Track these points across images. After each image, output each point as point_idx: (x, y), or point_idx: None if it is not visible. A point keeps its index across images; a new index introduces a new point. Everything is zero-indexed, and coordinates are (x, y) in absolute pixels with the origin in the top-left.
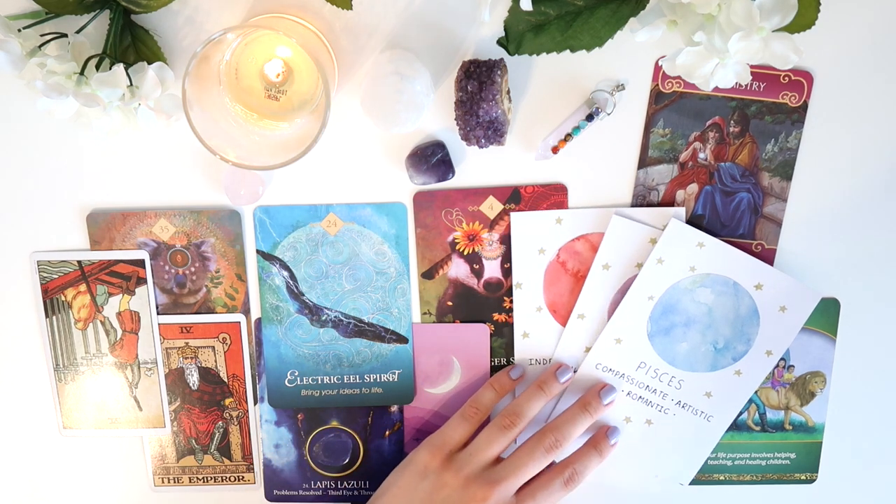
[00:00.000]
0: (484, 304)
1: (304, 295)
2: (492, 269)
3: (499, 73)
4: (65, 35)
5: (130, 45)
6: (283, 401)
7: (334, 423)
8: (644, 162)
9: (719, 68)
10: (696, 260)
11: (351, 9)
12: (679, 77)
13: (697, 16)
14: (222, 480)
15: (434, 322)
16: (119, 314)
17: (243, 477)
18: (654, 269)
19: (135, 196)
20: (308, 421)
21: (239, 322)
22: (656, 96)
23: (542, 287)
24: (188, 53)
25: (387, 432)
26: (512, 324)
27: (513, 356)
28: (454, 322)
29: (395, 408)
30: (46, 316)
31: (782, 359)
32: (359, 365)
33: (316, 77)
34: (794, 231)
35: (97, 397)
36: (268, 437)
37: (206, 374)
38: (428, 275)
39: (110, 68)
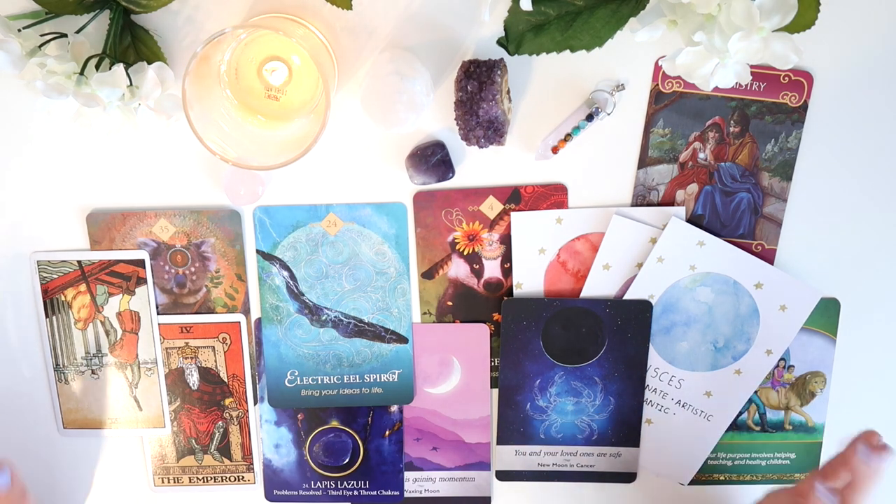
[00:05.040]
0: (484, 304)
1: (304, 295)
2: (492, 269)
3: (499, 73)
4: (65, 35)
5: (130, 45)
6: (283, 401)
7: (334, 423)
8: (644, 162)
9: (719, 68)
10: (696, 259)
11: (351, 9)
12: (679, 77)
13: (697, 16)
14: (222, 480)
15: (434, 322)
16: (119, 314)
17: (243, 477)
18: (654, 268)
19: (135, 196)
20: (308, 421)
21: (239, 322)
22: (656, 96)
23: (543, 287)
24: (188, 53)
25: (387, 432)
26: None
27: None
28: (454, 322)
29: (395, 408)
30: (46, 316)
31: (782, 359)
32: (359, 365)
33: (316, 77)
34: (794, 231)
35: (97, 397)
36: (268, 437)
37: (206, 374)
38: (428, 275)
39: (110, 68)
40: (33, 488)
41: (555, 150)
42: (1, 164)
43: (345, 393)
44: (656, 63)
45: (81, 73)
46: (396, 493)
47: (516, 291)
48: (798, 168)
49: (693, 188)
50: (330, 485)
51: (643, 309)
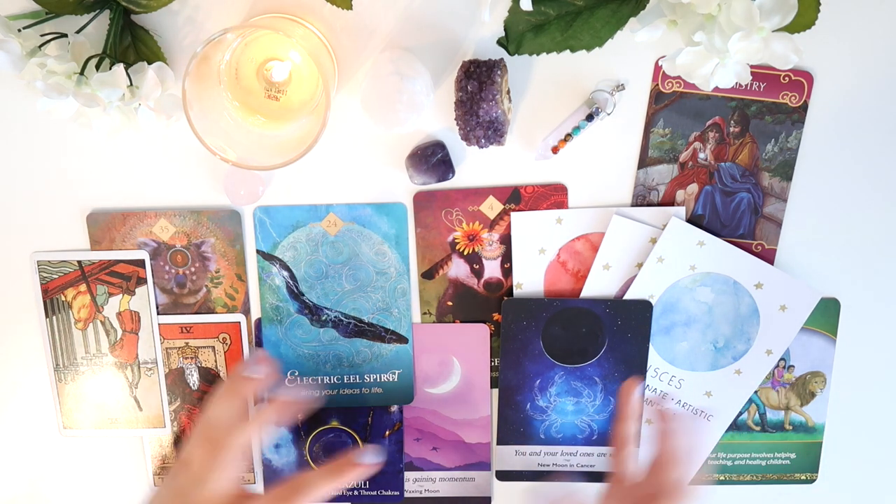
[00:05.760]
0: (484, 304)
1: (304, 295)
2: (492, 269)
3: (499, 73)
4: (65, 35)
5: (130, 45)
6: None
7: (334, 423)
8: (644, 162)
9: (719, 68)
10: (696, 259)
11: (351, 9)
12: (679, 77)
13: (697, 16)
14: None
15: (434, 322)
16: (119, 314)
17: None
18: (654, 268)
19: (135, 196)
20: (308, 421)
21: (239, 322)
22: (656, 96)
23: (543, 287)
24: (188, 53)
25: (387, 432)
26: None
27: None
28: (454, 322)
29: (395, 408)
30: (46, 316)
31: (782, 359)
32: (359, 365)
33: (316, 77)
34: (794, 231)
35: (97, 397)
36: (268, 437)
37: (206, 374)
38: (428, 275)
39: (110, 68)
40: (33, 488)
41: (555, 150)
42: (1, 164)
43: (345, 393)
44: (656, 63)
45: (81, 73)
46: (396, 493)
47: (516, 291)
48: (798, 168)
49: (693, 188)
50: None
51: (643, 309)
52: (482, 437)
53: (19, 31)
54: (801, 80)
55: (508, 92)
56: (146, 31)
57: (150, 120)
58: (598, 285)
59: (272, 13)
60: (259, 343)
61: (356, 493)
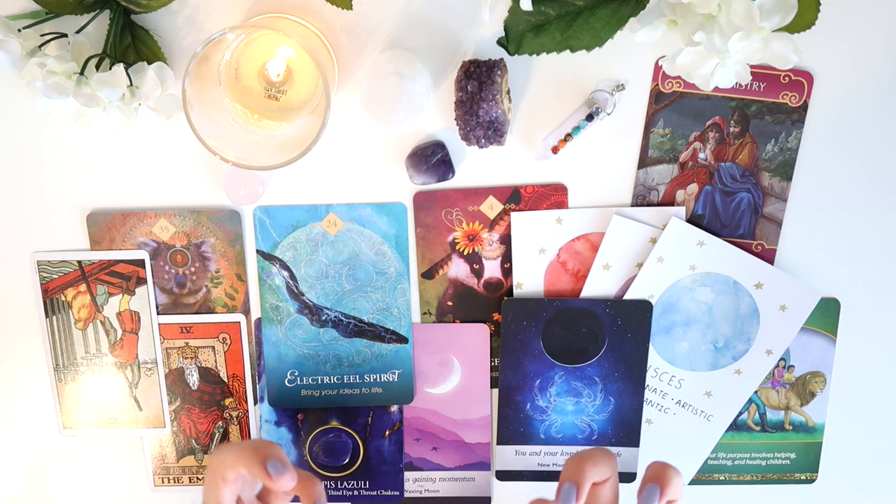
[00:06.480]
0: (484, 304)
1: (304, 295)
2: (492, 269)
3: (499, 73)
4: (65, 35)
5: (130, 45)
6: (283, 401)
7: (334, 423)
8: (644, 162)
9: (719, 68)
10: (696, 259)
11: (351, 9)
12: (679, 77)
13: (697, 16)
14: None
15: (434, 322)
16: (119, 314)
17: None
18: (654, 268)
19: (135, 196)
20: (308, 421)
21: (239, 322)
22: (656, 96)
23: (543, 287)
24: (188, 53)
25: (387, 432)
26: None
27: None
28: (454, 322)
29: (395, 408)
30: (46, 316)
31: (782, 359)
32: (359, 365)
33: (316, 77)
34: (794, 231)
35: (97, 397)
36: (268, 437)
37: (206, 374)
38: (428, 275)
39: (110, 68)
40: (33, 488)
41: (555, 150)
42: (1, 164)
43: (345, 393)
44: (656, 63)
45: (81, 73)
46: (396, 493)
47: (516, 291)
48: (798, 168)
49: (693, 188)
50: (330, 485)
51: (643, 309)
52: (482, 437)
53: (19, 31)
54: (801, 80)
55: (508, 92)
56: (146, 31)
57: (150, 120)
58: (598, 285)
59: (272, 13)
60: (259, 343)
61: (356, 493)
